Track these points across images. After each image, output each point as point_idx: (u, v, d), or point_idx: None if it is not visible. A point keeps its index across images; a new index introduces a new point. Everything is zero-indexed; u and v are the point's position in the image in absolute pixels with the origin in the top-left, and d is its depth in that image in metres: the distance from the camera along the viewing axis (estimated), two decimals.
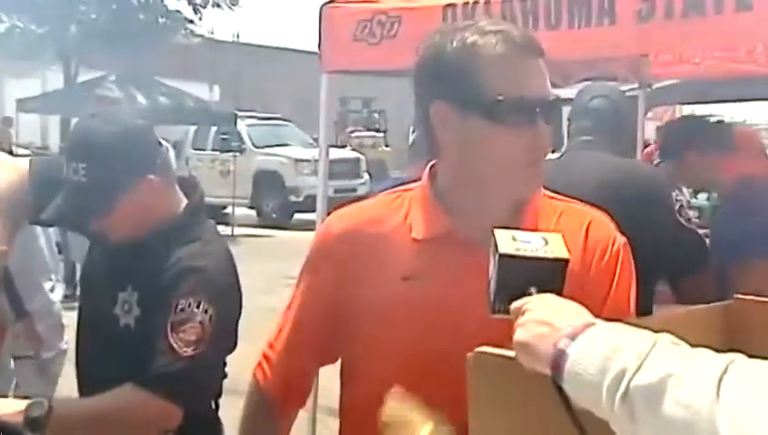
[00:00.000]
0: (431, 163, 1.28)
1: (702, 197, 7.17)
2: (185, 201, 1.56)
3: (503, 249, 0.96)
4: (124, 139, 1.46)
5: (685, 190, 2.37)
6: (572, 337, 0.82)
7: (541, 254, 0.95)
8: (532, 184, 1.20)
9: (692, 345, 0.78)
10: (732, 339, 1.07)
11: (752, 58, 3.77)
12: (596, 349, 0.80)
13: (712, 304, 1.12)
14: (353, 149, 15.20)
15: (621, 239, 1.24)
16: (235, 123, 13.13)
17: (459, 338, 1.17)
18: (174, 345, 1.38)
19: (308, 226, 14.25)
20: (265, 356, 1.35)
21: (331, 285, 1.28)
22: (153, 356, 1.38)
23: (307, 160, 12.80)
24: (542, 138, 1.16)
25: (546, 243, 0.96)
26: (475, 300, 1.18)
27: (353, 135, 16.74)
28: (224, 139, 12.70)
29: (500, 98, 1.14)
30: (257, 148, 13.38)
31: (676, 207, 2.13)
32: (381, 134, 17.63)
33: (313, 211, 14.33)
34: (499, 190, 1.19)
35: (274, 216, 13.00)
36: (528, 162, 1.17)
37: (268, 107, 16.35)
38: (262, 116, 14.74)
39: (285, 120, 14.86)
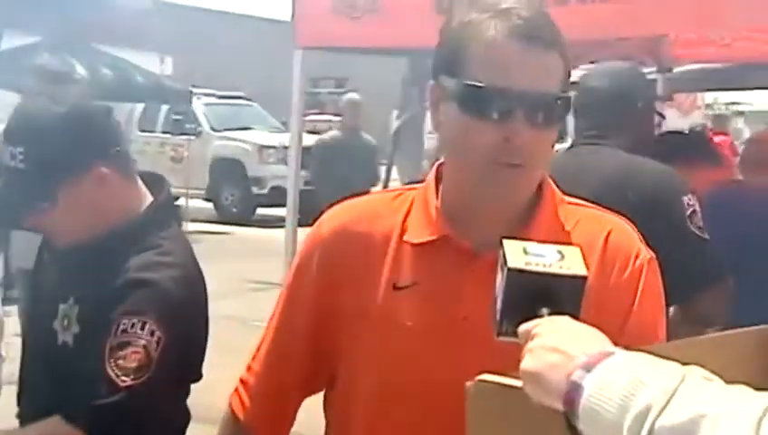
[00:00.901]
0: (440, 160, 1.30)
1: None
2: (149, 200, 1.51)
3: (512, 263, 0.96)
4: (71, 121, 1.41)
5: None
6: (588, 368, 0.83)
7: (555, 270, 0.95)
8: (504, 189, 1.19)
9: (726, 380, 0.79)
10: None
11: None
12: (615, 383, 0.80)
13: (746, 329, 1.13)
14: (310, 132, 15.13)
15: (647, 253, 1.25)
16: (190, 102, 13.04)
17: (456, 363, 1.18)
18: (111, 373, 1.32)
19: (273, 222, 14.19)
20: (242, 381, 1.34)
21: (320, 295, 1.29)
22: (89, 383, 1.33)
23: (273, 147, 12.76)
24: (518, 139, 1.15)
25: (562, 257, 0.97)
26: (473, 318, 1.19)
27: (306, 118, 16.57)
28: (176, 119, 12.63)
29: (478, 85, 1.15)
30: (215, 131, 13.34)
31: (688, 212, 2.13)
32: (339, 118, 17.66)
33: (279, 205, 14.20)
34: (481, 191, 1.20)
35: (234, 210, 12.96)
36: (501, 162, 1.16)
37: (229, 84, 16.24)
38: (221, 94, 14.65)
39: (249, 99, 14.81)
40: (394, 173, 7.76)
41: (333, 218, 1.32)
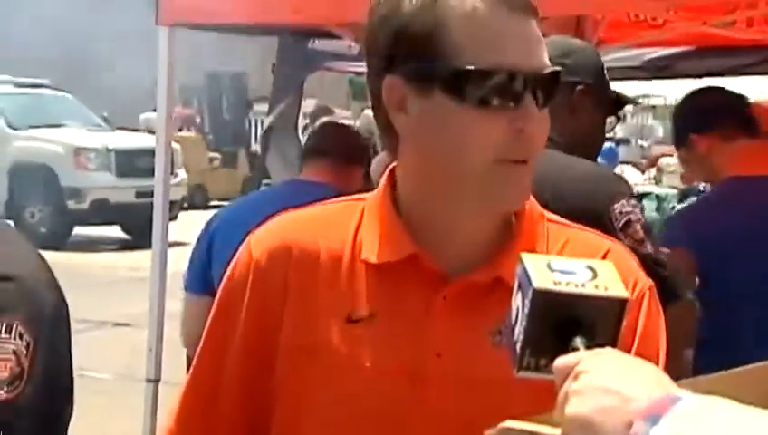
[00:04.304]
0: (391, 165, 1.30)
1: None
2: None
3: (538, 283, 0.96)
4: None
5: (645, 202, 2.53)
6: (653, 419, 0.83)
7: (590, 290, 0.96)
8: (515, 192, 1.22)
9: None
10: None
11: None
12: None
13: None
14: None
15: (647, 281, 1.28)
16: None
17: (429, 411, 1.20)
18: None
19: (97, 245, 13.86)
20: None
21: (254, 333, 1.28)
22: None
23: (94, 149, 12.51)
24: (531, 125, 1.18)
25: (594, 275, 0.97)
26: (449, 354, 1.21)
27: (141, 116, 16.58)
28: None
29: (470, 67, 1.17)
30: (14, 129, 12.99)
31: (620, 224, 2.18)
32: (191, 110, 17.96)
33: (104, 223, 13.81)
34: (472, 199, 1.22)
35: (43, 230, 12.52)
36: (510, 159, 1.19)
37: (32, 68, 15.67)
38: (23, 82, 14.16)
39: (58, 88, 14.45)
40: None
41: (267, 233, 1.31)
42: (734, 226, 2.71)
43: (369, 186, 3.03)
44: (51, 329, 1.41)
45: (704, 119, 2.79)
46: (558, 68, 1.22)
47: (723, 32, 4.14)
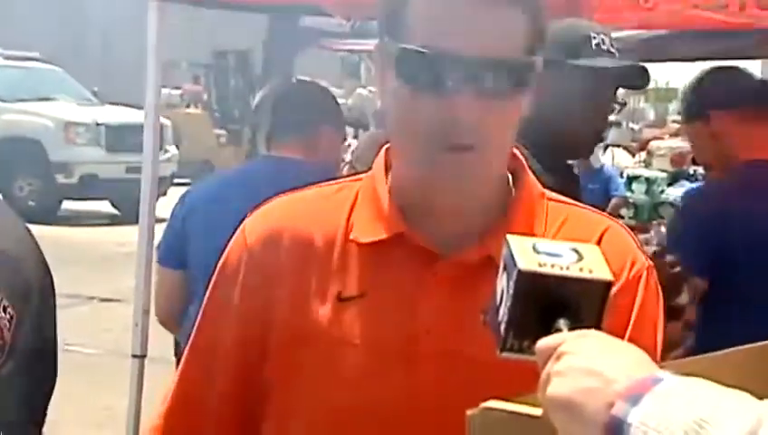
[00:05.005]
0: (386, 145, 1.31)
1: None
2: None
3: (523, 264, 0.96)
4: None
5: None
6: (633, 399, 0.83)
7: (575, 273, 0.97)
8: (452, 180, 1.21)
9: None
10: None
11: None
12: (671, 420, 0.80)
13: (751, 346, 1.18)
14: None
15: (645, 261, 1.29)
16: None
17: (418, 388, 1.20)
18: None
19: (85, 219, 13.79)
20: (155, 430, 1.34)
21: (250, 316, 1.28)
22: None
23: (83, 124, 12.45)
24: (468, 115, 1.16)
25: (580, 257, 0.98)
26: (437, 331, 1.22)
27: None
28: None
29: (416, 49, 1.17)
30: (3, 102, 12.89)
31: None
32: (177, 91, 18.16)
33: (92, 198, 13.73)
34: (430, 182, 1.22)
35: (32, 204, 12.47)
36: (444, 147, 1.18)
37: (21, 41, 15.57)
38: (11, 54, 14.06)
39: (47, 61, 14.36)
40: None
41: (262, 219, 1.32)
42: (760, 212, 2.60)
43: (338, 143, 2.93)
44: (35, 303, 1.40)
45: (727, 96, 2.69)
46: (521, 57, 1.19)
47: (715, 15, 4.13)
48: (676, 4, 4.12)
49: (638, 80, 2.28)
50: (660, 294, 1.29)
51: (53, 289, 1.48)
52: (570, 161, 2.39)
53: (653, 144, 11.25)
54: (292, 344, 1.25)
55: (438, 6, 1.18)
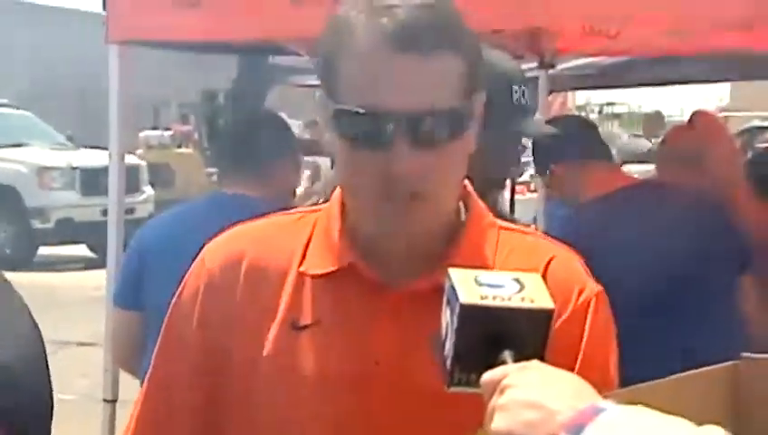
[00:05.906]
0: None
1: None
2: None
3: (464, 298, 0.97)
4: None
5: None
6: (575, 430, 0.84)
7: (516, 303, 0.97)
8: (398, 227, 1.21)
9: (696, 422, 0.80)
10: (737, 408, 1.15)
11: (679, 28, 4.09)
12: None
13: (713, 367, 1.18)
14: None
15: (594, 287, 1.29)
16: None
17: (367, 419, 1.21)
18: None
19: (62, 264, 13.70)
20: None
21: (207, 345, 1.29)
22: None
23: (57, 168, 12.37)
24: (402, 168, 1.16)
25: (521, 287, 0.99)
26: (387, 362, 1.23)
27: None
28: None
29: (345, 108, 1.18)
30: None
31: None
32: (168, 133, 18.23)
33: (69, 243, 13.58)
34: (376, 228, 1.24)
35: (8, 251, 12.43)
36: (384, 199, 1.19)
37: None
38: None
39: (18, 107, 14.31)
40: None
41: (220, 247, 1.33)
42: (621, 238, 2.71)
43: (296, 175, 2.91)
44: (38, 419, 1.35)
45: (559, 149, 2.85)
46: (450, 104, 1.17)
47: (675, 42, 4.19)
48: (641, 30, 4.18)
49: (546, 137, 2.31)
50: (612, 319, 1.29)
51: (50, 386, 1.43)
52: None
53: (629, 168, 11.36)
54: (248, 371, 1.27)
55: (369, 65, 1.17)
